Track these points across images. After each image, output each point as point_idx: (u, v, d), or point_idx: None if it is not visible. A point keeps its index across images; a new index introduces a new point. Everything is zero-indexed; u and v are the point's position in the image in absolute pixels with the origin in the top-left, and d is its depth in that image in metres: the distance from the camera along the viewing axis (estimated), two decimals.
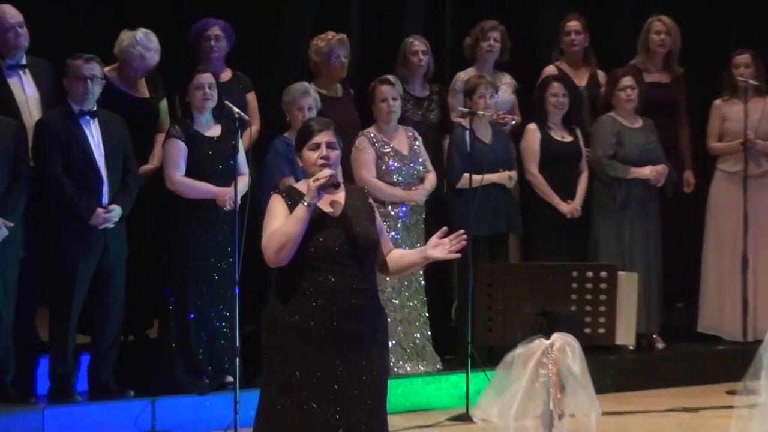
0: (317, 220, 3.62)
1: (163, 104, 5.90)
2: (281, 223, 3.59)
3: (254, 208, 5.23)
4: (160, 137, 5.77)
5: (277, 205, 3.68)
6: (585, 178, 6.52)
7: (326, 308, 3.58)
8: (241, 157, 5.54)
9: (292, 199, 3.66)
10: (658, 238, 6.58)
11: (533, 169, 6.45)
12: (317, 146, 3.67)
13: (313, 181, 3.58)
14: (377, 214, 3.83)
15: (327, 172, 3.60)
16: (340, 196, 3.75)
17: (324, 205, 3.68)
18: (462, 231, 3.68)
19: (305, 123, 3.83)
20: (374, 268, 3.76)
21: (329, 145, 3.67)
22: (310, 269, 3.59)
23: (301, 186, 3.73)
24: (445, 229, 3.71)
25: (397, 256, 3.81)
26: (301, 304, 3.61)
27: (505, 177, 6.28)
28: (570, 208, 6.39)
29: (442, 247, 3.67)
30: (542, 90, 6.51)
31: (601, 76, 6.81)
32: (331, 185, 3.60)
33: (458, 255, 3.68)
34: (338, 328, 3.59)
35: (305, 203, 3.57)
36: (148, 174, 5.74)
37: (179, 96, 5.70)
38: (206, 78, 5.56)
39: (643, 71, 6.75)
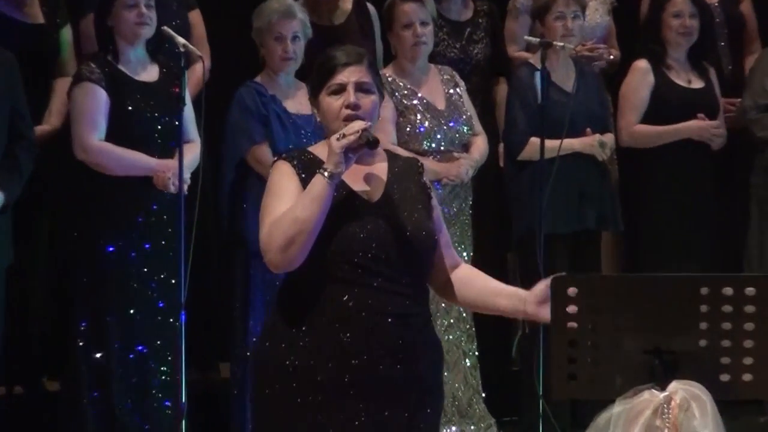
0: (343, 205, 3.62)
1: (66, 34, 5.95)
2: (290, 205, 3.59)
3: (209, 192, 5.24)
4: (62, 83, 5.80)
5: (282, 176, 3.68)
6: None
7: (353, 344, 3.59)
8: (189, 115, 5.55)
9: (307, 168, 3.67)
10: None
11: (632, 121, 6.49)
12: (341, 89, 3.70)
13: (337, 139, 3.57)
14: (435, 202, 3.82)
15: (358, 124, 3.59)
16: (380, 168, 3.75)
17: (355, 182, 3.68)
18: None
19: (324, 54, 3.82)
20: (426, 284, 3.76)
21: (360, 87, 3.70)
22: (329, 282, 3.60)
23: (320, 149, 3.73)
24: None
25: (479, 285, 3.80)
26: (315, 336, 3.61)
27: (594, 143, 6.28)
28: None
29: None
30: (657, 8, 6.55)
31: None
32: (365, 144, 3.58)
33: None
34: (370, 374, 3.60)
35: (325, 173, 3.57)
36: (45, 139, 5.76)
37: (96, 19, 5.72)
38: None
39: None
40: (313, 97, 3.76)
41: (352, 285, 3.59)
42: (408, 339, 3.64)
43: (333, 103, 3.69)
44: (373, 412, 3.60)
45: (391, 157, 3.82)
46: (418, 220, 3.70)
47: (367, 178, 3.71)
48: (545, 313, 3.69)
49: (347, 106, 3.66)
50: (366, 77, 3.71)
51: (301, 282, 3.64)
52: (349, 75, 3.69)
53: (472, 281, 3.82)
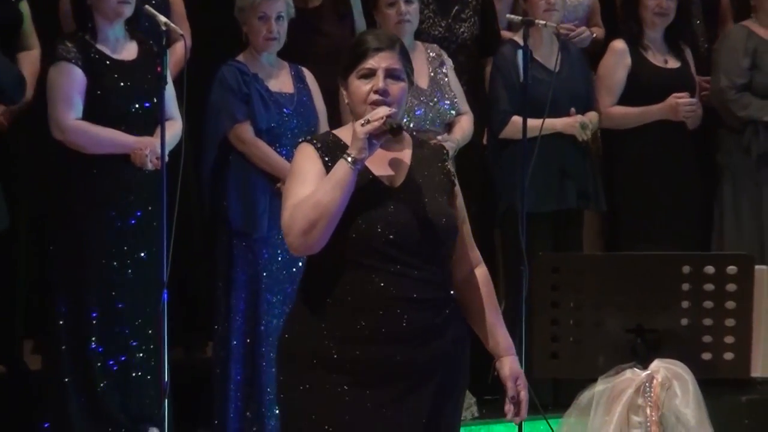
0: (365, 190, 3.62)
1: (25, 6, 5.88)
2: (312, 189, 3.58)
3: (190, 170, 5.21)
4: (25, 57, 5.76)
5: (306, 159, 3.68)
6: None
7: (376, 329, 3.59)
8: (170, 95, 5.51)
9: (331, 151, 3.67)
10: None
11: (607, 103, 6.49)
12: (371, 73, 3.70)
13: (362, 125, 3.57)
14: (458, 189, 3.81)
15: (383, 110, 3.59)
16: (405, 153, 3.75)
17: (378, 167, 3.68)
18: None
19: (357, 37, 3.85)
20: (449, 270, 3.75)
21: (390, 73, 3.70)
22: (350, 267, 3.60)
23: (344, 133, 3.73)
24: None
25: (478, 306, 3.82)
26: (337, 322, 3.61)
27: (575, 124, 6.27)
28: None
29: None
30: None
31: None
32: (389, 131, 3.58)
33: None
34: (393, 359, 3.59)
35: (349, 159, 3.57)
36: (18, 111, 5.72)
37: None
38: None
39: None
40: (343, 78, 3.76)
41: (373, 270, 3.59)
42: (429, 323, 3.64)
43: (362, 86, 3.69)
44: (398, 397, 3.60)
45: (417, 143, 3.82)
46: (440, 206, 3.70)
47: (390, 163, 3.71)
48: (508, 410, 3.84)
49: (376, 92, 3.67)
50: (397, 64, 3.71)
51: (322, 267, 3.64)
52: (380, 60, 3.69)
53: (478, 298, 3.83)
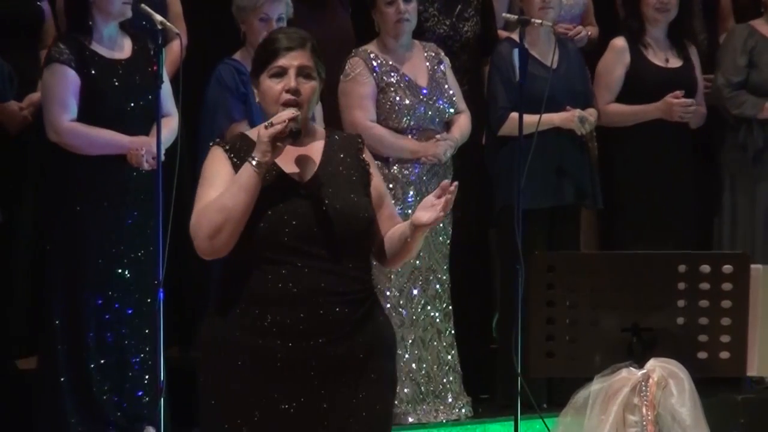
0: (274, 187, 3.64)
1: (46, 5, 5.92)
2: (220, 192, 3.62)
3: (186, 169, 5.18)
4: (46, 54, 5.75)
5: (215, 163, 3.72)
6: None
7: (285, 323, 3.61)
8: (166, 91, 5.50)
9: (240, 154, 3.70)
10: None
11: (605, 100, 6.49)
12: (282, 72, 3.71)
13: (265, 127, 3.60)
14: (375, 175, 3.85)
15: (286, 113, 3.62)
16: (316, 148, 3.77)
17: (287, 164, 3.70)
18: (448, 182, 3.65)
19: (268, 36, 3.86)
20: (367, 260, 3.77)
21: (302, 72, 3.72)
22: (260, 263, 3.63)
23: (256, 133, 3.74)
24: (446, 183, 3.67)
25: (390, 235, 3.82)
26: (251, 315, 3.63)
27: (574, 118, 6.26)
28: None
29: (434, 207, 3.64)
30: None
31: None
32: (288, 135, 3.62)
33: (441, 214, 3.65)
34: (306, 353, 3.61)
35: (254, 162, 3.60)
36: (38, 107, 5.68)
37: None
38: None
39: None
40: (254, 77, 3.77)
41: (282, 265, 3.61)
42: (344, 317, 3.64)
43: (273, 86, 3.72)
44: (313, 392, 3.61)
45: (331, 135, 3.84)
46: (350, 199, 3.71)
47: (300, 159, 3.73)
48: (424, 217, 3.63)
49: (287, 91, 3.69)
50: (308, 62, 3.73)
51: (235, 264, 3.66)
52: (291, 59, 3.71)
53: (389, 237, 3.81)
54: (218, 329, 3.69)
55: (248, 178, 3.59)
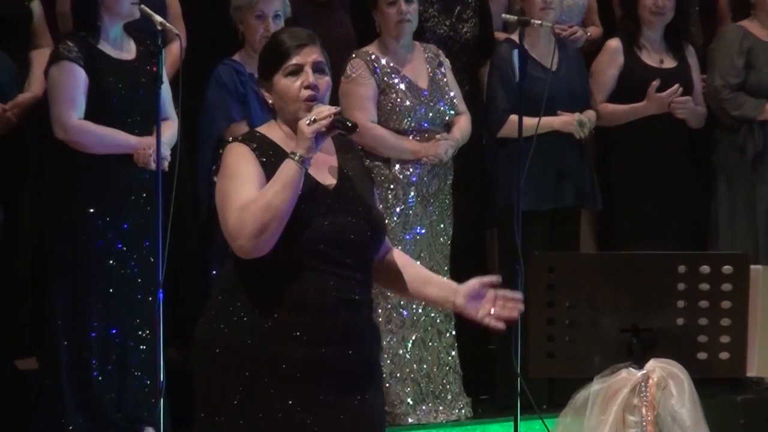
0: (305, 191, 3.57)
1: (35, 5, 5.88)
2: (258, 190, 3.55)
3: (186, 171, 5.19)
4: (37, 54, 5.75)
5: (242, 160, 3.62)
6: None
7: (315, 330, 3.58)
8: (166, 95, 5.51)
9: (266, 152, 3.63)
10: None
11: (598, 100, 6.50)
12: (298, 70, 3.66)
13: (308, 124, 3.54)
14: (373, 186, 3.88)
15: (327, 109, 3.57)
16: (330, 151, 3.74)
17: (312, 168, 3.63)
18: (519, 295, 3.69)
19: (274, 37, 3.80)
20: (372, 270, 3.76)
21: (317, 67, 3.67)
22: (293, 268, 3.57)
23: (272, 131, 3.70)
24: (494, 279, 3.70)
25: (411, 273, 3.80)
26: (278, 320, 3.57)
27: (573, 121, 6.26)
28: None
29: (484, 306, 3.67)
30: None
31: None
32: (345, 129, 3.58)
33: (502, 327, 3.69)
34: (328, 359, 3.58)
35: (297, 158, 3.53)
36: (28, 106, 5.70)
37: None
38: None
39: None
40: (265, 80, 3.71)
41: (317, 271, 3.57)
42: (358, 324, 3.64)
43: (291, 85, 3.65)
44: (329, 395, 3.59)
45: (335, 142, 3.78)
46: (372, 206, 3.71)
47: (322, 164, 3.68)
48: (472, 310, 3.69)
49: (307, 87, 3.64)
50: (321, 57, 3.69)
51: (258, 267, 3.57)
52: (306, 56, 3.66)
53: (404, 268, 3.80)
54: (236, 328, 3.60)
55: (293, 175, 3.51)
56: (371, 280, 3.71)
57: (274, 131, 3.68)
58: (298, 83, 3.64)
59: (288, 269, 3.56)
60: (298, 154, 3.52)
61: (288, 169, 3.52)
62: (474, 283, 3.70)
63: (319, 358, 3.57)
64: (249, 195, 3.53)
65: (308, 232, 3.55)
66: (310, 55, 3.66)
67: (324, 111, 3.55)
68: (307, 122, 3.53)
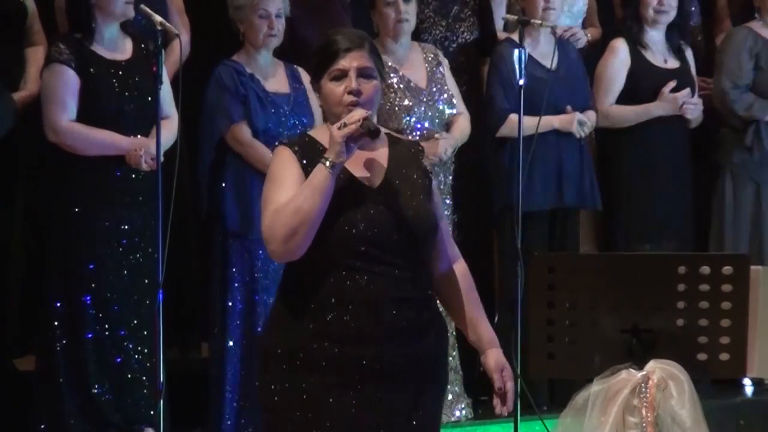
0: (345, 192, 3.60)
1: (30, 2, 5.88)
2: (292, 194, 3.57)
3: (186, 171, 5.19)
4: (32, 52, 5.75)
5: (284, 164, 3.66)
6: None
7: (359, 329, 3.58)
8: (166, 92, 5.50)
9: (308, 153, 3.65)
10: None
11: (606, 103, 6.48)
12: (343, 74, 3.67)
13: (338, 129, 3.55)
14: (436, 191, 3.82)
15: (359, 113, 3.57)
16: (381, 153, 3.73)
17: (356, 168, 3.66)
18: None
19: (327, 38, 3.79)
20: (429, 267, 3.74)
21: (362, 73, 3.67)
22: (332, 269, 3.59)
23: (320, 134, 3.71)
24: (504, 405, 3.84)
25: (459, 302, 3.82)
26: (319, 322, 3.59)
27: (573, 121, 6.26)
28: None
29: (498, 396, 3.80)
30: None
31: None
32: (368, 134, 3.56)
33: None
34: (373, 359, 3.59)
35: (327, 163, 3.55)
36: (24, 104, 5.69)
37: None
38: None
39: None
40: (315, 81, 3.73)
41: (355, 271, 3.58)
42: (407, 323, 3.63)
43: (335, 89, 3.66)
44: (377, 396, 3.59)
45: (393, 141, 3.79)
46: (419, 206, 3.68)
47: (368, 163, 3.68)
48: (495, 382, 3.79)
49: (349, 92, 3.64)
50: (368, 62, 3.68)
51: (304, 269, 3.61)
52: (351, 60, 3.66)
53: (458, 294, 3.81)
54: (287, 335, 3.64)
55: (324, 180, 3.52)
56: (421, 279, 3.68)
57: (322, 133, 3.69)
58: (341, 88, 3.65)
59: (325, 269, 3.58)
60: (329, 160, 3.53)
61: (318, 174, 3.54)
62: (494, 375, 3.80)
63: (361, 357, 3.58)
64: (283, 198, 3.57)
65: (344, 232, 3.57)
66: (356, 60, 3.66)
67: (355, 115, 3.56)
68: (338, 127, 3.55)
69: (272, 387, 3.64)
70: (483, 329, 3.83)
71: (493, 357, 3.79)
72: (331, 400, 3.58)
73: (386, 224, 3.60)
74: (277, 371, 3.64)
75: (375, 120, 3.68)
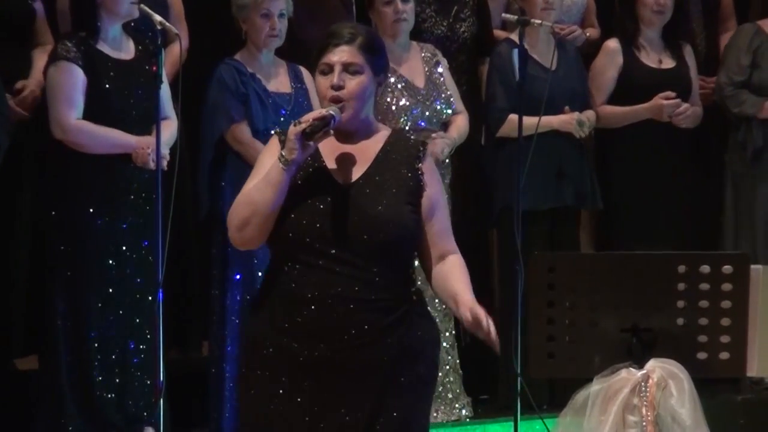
0: (314, 185, 3.60)
1: (38, 4, 5.88)
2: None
3: (186, 170, 5.19)
4: (39, 52, 5.75)
5: (265, 153, 3.71)
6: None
7: (313, 325, 3.58)
8: (165, 95, 5.51)
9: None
10: None
11: (598, 102, 6.51)
12: (329, 69, 3.68)
13: (294, 125, 3.57)
14: (431, 186, 3.71)
15: (316, 112, 3.59)
16: (370, 149, 3.70)
17: (334, 162, 3.65)
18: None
19: (328, 31, 3.78)
20: (405, 270, 3.70)
21: (347, 68, 3.66)
22: (289, 261, 3.60)
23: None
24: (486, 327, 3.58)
25: (443, 284, 3.69)
26: (276, 317, 3.62)
27: (572, 120, 6.26)
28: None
29: (480, 327, 3.56)
30: None
31: None
32: (320, 132, 3.57)
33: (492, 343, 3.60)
34: (326, 358, 3.58)
35: (281, 159, 3.57)
36: (30, 105, 5.68)
37: None
38: None
39: None
40: (313, 74, 3.77)
41: (310, 266, 3.57)
42: (365, 324, 3.58)
43: (322, 82, 3.69)
44: (333, 397, 3.58)
45: (396, 138, 3.75)
46: (390, 206, 3.62)
47: (348, 158, 3.67)
48: (470, 326, 3.57)
49: (332, 87, 3.64)
50: (355, 58, 3.66)
51: (271, 259, 3.68)
52: (337, 55, 3.66)
53: (444, 276, 3.71)
54: (252, 325, 3.72)
55: (276, 175, 3.56)
56: (387, 281, 3.61)
57: None
58: (327, 82, 3.66)
59: (284, 262, 3.61)
60: (283, 156, 3.56)
61: (272, 170, 3.57)
62: (475, 312, 3.57)
63: (316, 354, 3.57)
64: (249, 187, 3.63)
65: (302, 225, 3.57)
66: (343, 54, 3.65)
67: (311, 114, 3.58)
68: (294, 124, 3.57)
69: (242, 371, 3.75)
70: (464, 293, 3.63)
71: (464, 303, 3.59)
72: (281, 391, 3.60)
73: (345, 222, 3.57)
74: (244, 359, 3.74)
75: (352, 116, 3.63)
